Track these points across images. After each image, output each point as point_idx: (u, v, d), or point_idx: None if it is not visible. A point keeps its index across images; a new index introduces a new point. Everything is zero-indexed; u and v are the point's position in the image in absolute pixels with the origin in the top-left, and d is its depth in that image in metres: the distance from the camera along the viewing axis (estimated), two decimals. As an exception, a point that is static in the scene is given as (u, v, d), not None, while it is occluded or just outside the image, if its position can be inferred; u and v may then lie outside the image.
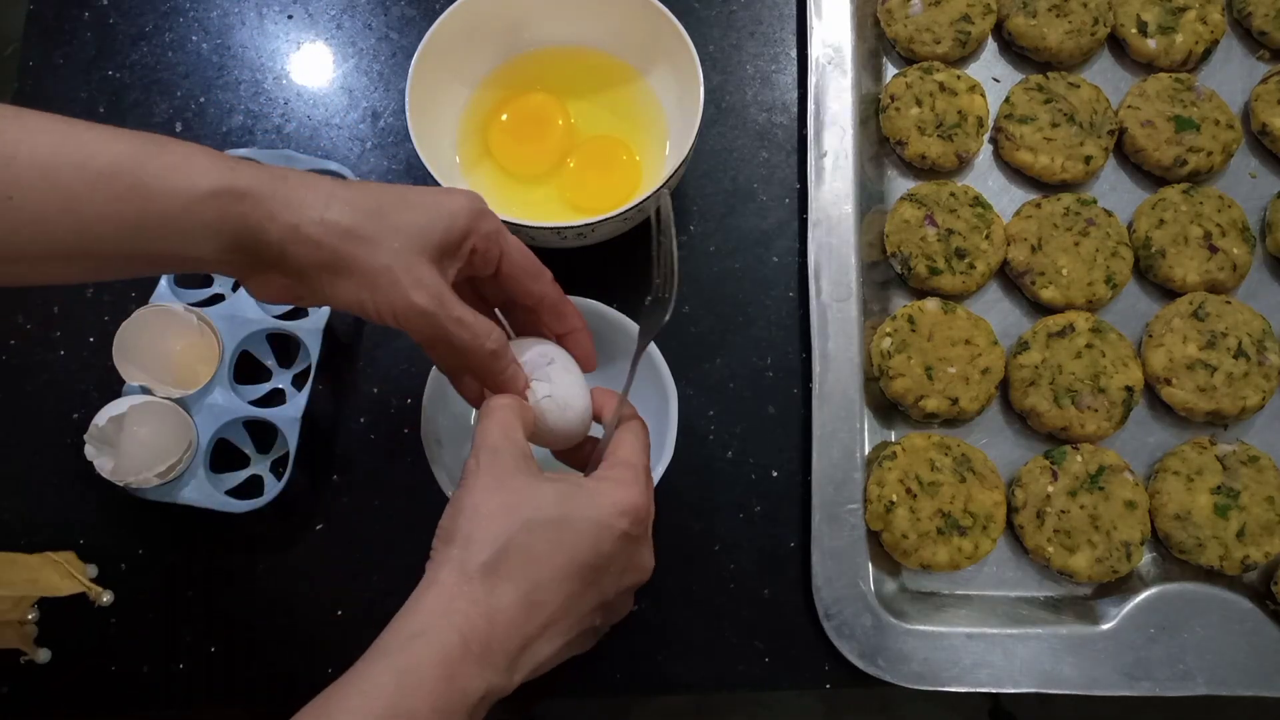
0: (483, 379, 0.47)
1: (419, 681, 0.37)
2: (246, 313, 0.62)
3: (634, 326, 0.57)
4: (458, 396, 0.59)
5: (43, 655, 0.59)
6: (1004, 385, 0.64)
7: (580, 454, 0.51)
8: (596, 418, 0.51)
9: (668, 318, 0.50)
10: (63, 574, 0.58)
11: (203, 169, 0.40)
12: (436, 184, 0.58)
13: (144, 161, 0.39)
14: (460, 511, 0.42)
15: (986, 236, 0.65)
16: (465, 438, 0.60)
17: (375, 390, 0.65)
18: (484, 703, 0.39)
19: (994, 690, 0.57)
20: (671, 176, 0.58)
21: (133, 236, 0.39)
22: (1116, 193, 0.69)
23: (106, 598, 0.59)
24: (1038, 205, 0.66)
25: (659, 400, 0.57)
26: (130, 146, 0.39)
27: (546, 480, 0.43)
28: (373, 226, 0.42)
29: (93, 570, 0.60)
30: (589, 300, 0.58)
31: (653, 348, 0.57)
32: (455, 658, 0.38)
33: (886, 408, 0.64)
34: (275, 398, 0.63)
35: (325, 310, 0.62)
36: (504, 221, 0.57)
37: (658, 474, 0.55)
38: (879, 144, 0.70)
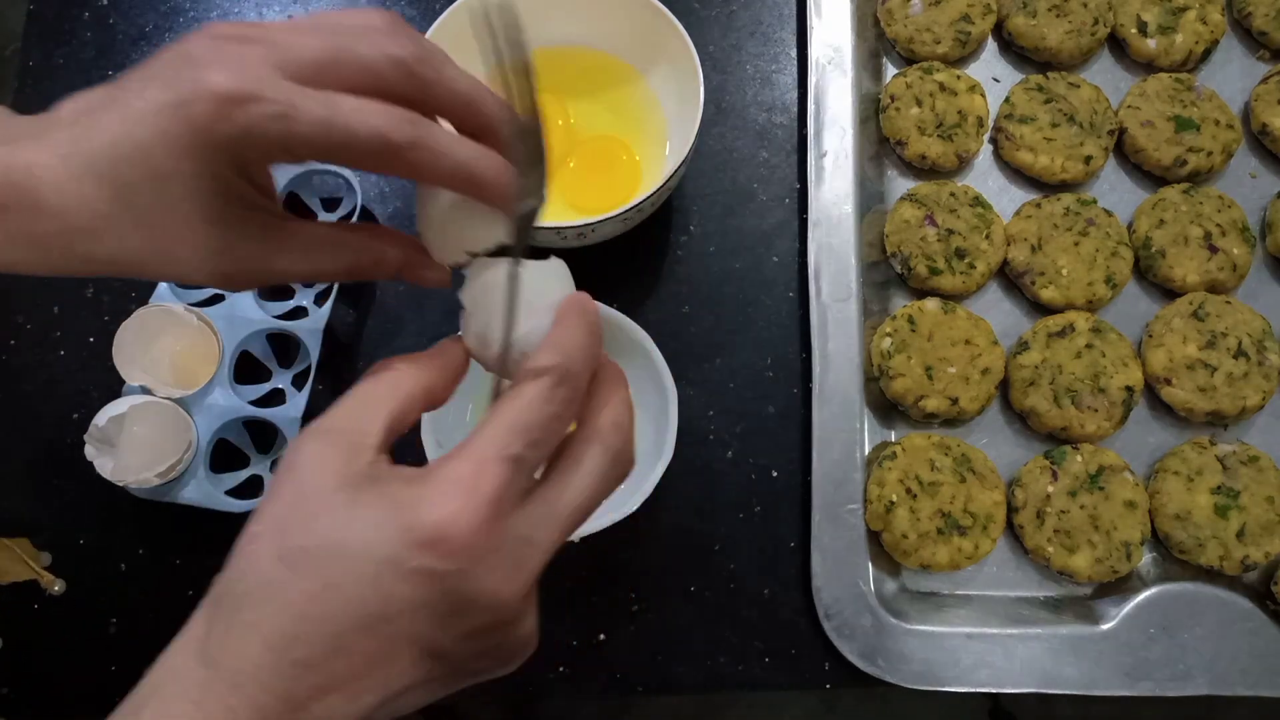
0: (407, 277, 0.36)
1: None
2: (247, 313, 0.62)
3: (634, 326, 0.57)
4: (458, 396, 0.59)
5: (58, 585, 0.60)
6: (1004, 385, 0.64)
7: None
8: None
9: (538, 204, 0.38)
10: (14, 559, 0.59)
11: None
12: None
13: None
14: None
15: (986, 236, 0.65)
16: (459, 435, 0.59)
17: (375, 390, 0.64)
18: None
19: (994, 690, 0.57)
20: (671, 176, 0.58)
21: None
22: (1116, 193, 0.69)
23: (59, 586, 0.59)
24: (1038, 205, 0.66)
25: (659, 400, 0.57)
26: None
27: (360, 490, 0.31)
28: (110, 206, 0.32)
29: (46, 558, 0.60)
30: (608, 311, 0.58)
31: (653, 347, 0.57)
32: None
33: (886, 408, 0.64)
34: (275, 398, 0.63)
35: (325, 310, 0.62)
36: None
37: (658, 473, 0.55)
38: (879, 144, 0.70)
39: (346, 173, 0.65)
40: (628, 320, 0.58)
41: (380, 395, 0.34)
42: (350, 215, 0.65)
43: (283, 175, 0.64)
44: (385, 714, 0.30)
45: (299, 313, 0.64)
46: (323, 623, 0.29)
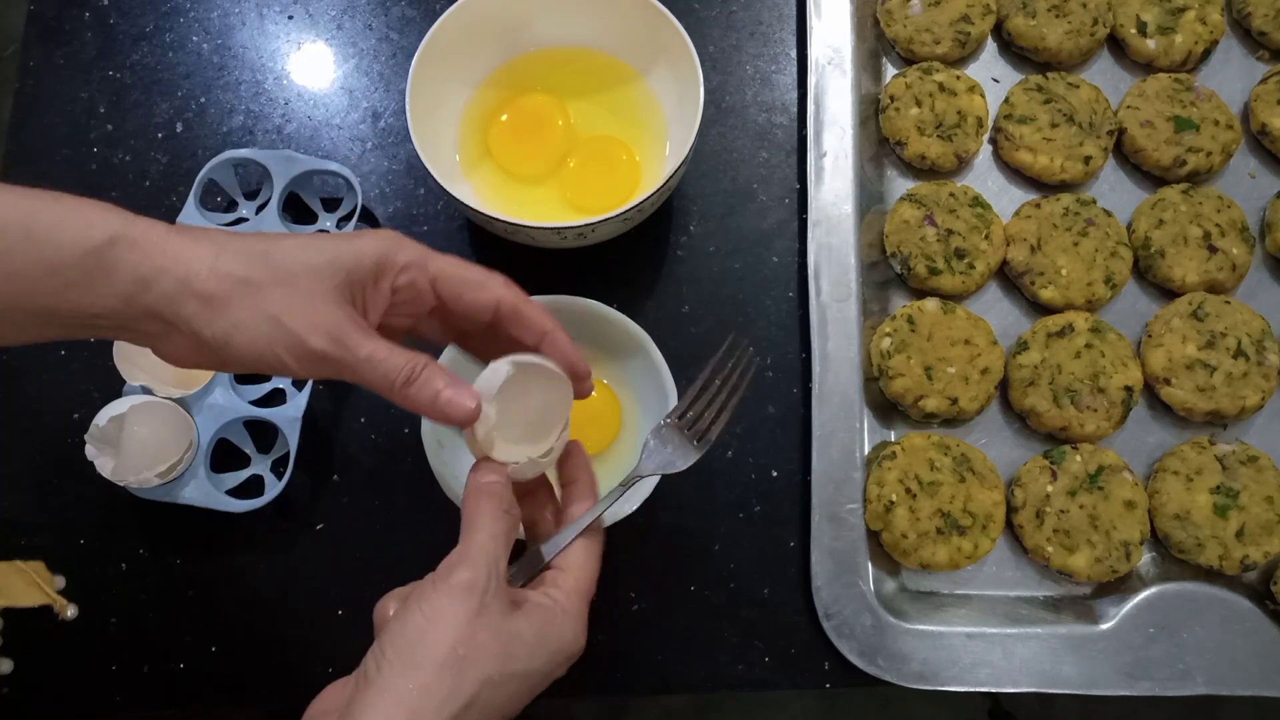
0: (423, 414, 0.44)
1: None
2: (247, 313, 0.62)
3: (634, 326, 0.57)
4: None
5: (4, 665, 0.59)
6: (1003, 385, 0.64)
7: (536, 502, 0.48)
8: (565, 485, 0.48)
9: (685, 465, 0.50)
10: (28, 583, 0.58)
11: (95, 219, 0.39)
12: (437, 184, 0.58)
13: (36, 213, 0.38)
14: (440, 641, 0.39)
15: (986, 236, 0.65)
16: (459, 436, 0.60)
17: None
18: None
19: (993, 690, 0.57)
20: (671, 176, 0.58)
21: (29, 290, 0.38)
22: (1116, 193, 0.69)
23: (71, 611, 0.59)
24: (1037, 205, 0.66)
25: (659, 400, 0.57)
26: (21, 199, 0.39)
27: (523, 618, 0.41)
28: (266, 272, 0.40)
29: (60, 581, 0.60)
30: (587, 300, 0.58)
31: (653, 347, 0.57)
32: None
33: (886, 408, 0.64)
34: (275, 398, 0.63)
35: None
36: (504, 222, 0.57)
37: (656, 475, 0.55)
38: (879, 144, 0.70)
39: (346, 172, 0.65)
40: (628, 320, 0.58)
41: (502, 532, 0.43)
42: (351, 215, 0.65)
43: (282, 176, 0.64)
44: None
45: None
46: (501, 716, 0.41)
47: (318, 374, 0.42)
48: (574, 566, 0.45)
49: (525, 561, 0.46)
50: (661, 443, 0.51)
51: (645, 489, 0.54)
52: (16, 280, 0.38)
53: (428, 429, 0.56)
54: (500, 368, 0.44)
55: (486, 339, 0.48)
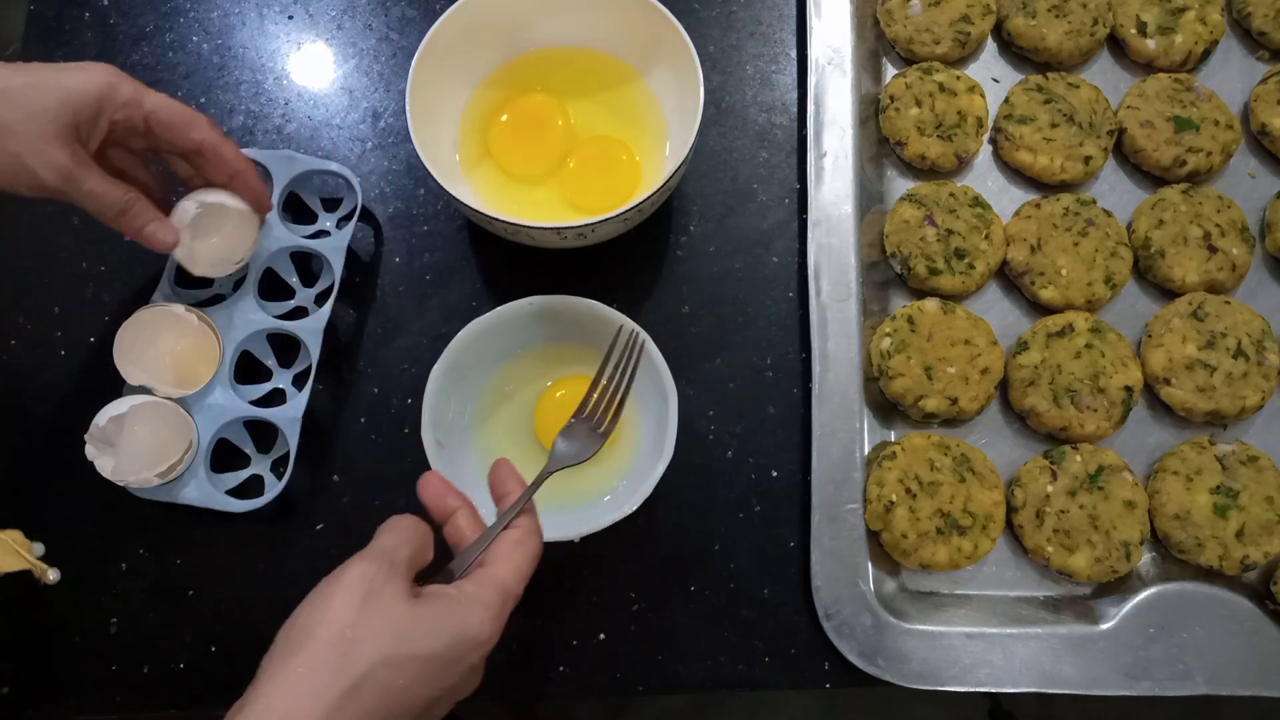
0: (136, 239, 0.54)
1: None
2: (247, 313, 0.62)
3: (630, 323, 0.57)
4: (458, 396, 0.59)
5: (52, 574, 0.59)
6: (1003, 385, 0.64)
7: (454, 527, 0.49)
8: (498, 500, 0.50)
9: (587, 456, 0.53)
10: (6, 550, 0.58)
11: None
12: (437, 184, 0.58)
13: None
14: (328, 624, 0.40)
15: (986, 237, 0.65)
16: (466, 438, 0.60)
17: (375, 390, 0.65)
18: None
19: (993, 690, 0.57)
20: (672, 176, 0.58)
21: None
22: (1116, 193, 0.69)
23: (53, 575, 0.59)
24: (1037, 205, 0.66)
25: (659, 400, 0.57)
26: None
27: (420, 604, 0.42)
28: (7, 112, 0.47)
29: (39, 548, 0.60)
30: (587, 300, 0.58)
31: (653, 348, 0.57)
32: None
33: (886, 408, 0.64)
34: (275, 398, 0.63)
35: (326, 310, 0.62)
36: (504, 222, 0.57)
37: (657, 473, 0.55)
38: (879, 144, 0.70)
39: (346, 172, 0.65)
40: (628, 320, 0.58)
41: (407, 539, 0.45)
42: (351, 215, 0.65)
43: (282, 176, 0.64)
44: None
45: (299, 313, 0.64)
46: (406, 705, 0.40)
47: (44, 196, 0.51)
48: (495, 559, 0.45)
49: (447, 567, 0.46)
50: (567, 441, 0.54)
51: (647, 487, 0.55)
52: None
53: (427, 429, 0.56)
54: (188, 206, 0.57)
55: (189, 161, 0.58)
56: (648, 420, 0.59)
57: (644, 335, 0.56)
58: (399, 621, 0.41)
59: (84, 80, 0.50)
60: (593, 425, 0.54)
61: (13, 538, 0.59)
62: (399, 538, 0.44)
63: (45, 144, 0.48)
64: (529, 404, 0.61)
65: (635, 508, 0.54)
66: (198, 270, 0.60)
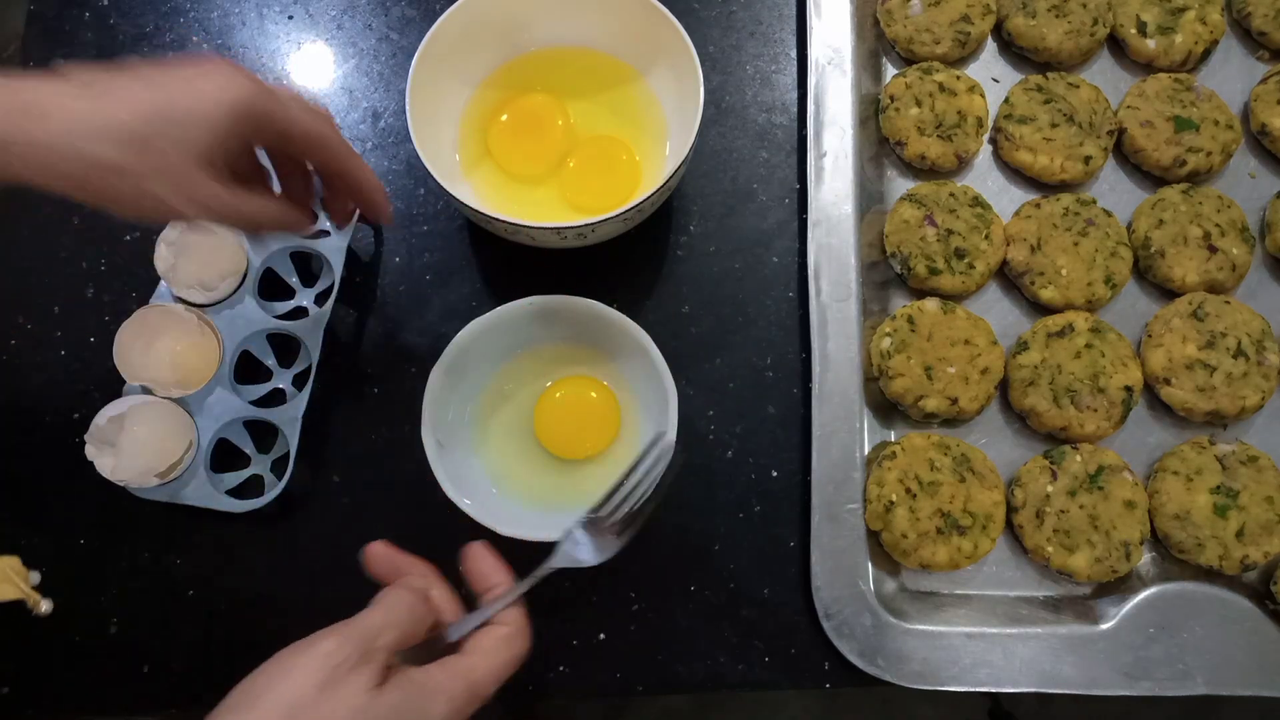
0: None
1: None
2: (247, 313, 0.62)
3: (635, 327, 0.58)
4: (458, 396, 0.59)
5: (45, 605, 0.59)
6: (1003, 385, 0.64)
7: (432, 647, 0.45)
8: (481, 590, 0.47)
9: (597, 561, 0.50)
10: (2, 578, 0.58)
11: None
12: (437, 184, 0.58)
13: None
14: (272, 695, 0.38)
15: (986, 236, 0.65)
16: (466, 438, 0.60)
17: (375, 390, 0.65)
18: None
19: (993, 690, 0.57)
20: (671, 176, 0.58)
21: None
22: (1116, 193, 0.69)
23: (45, 606, 0.59)
24: (1037, 205, 0.66)
25: (659, 400, 0.57)
26: None
27: (382, 695, 0.39)
28: (130, 159, 0.42)
29: (35, 577, 0.60)
30: (588, 300, 0.58)
31: (652, 347, 0.57)
32: None
33: (886, 408, 0.64)
34: (275, 398, 0.63)
35: (326, 310, 0.62)
36: (504, 222, 0.57)
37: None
38: (879, 144, 0.70)
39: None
40: (628, 320, 0.58)
41: (398, 621, 0.42)
42: (350, 215, 0.65)
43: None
44: None
45: (299, 313, 0.64)
46: None
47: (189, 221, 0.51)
48: (474, 650, 0.43)
49: (429, 641, 0.44)
50: (584, 535, 0.50)
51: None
52: None
53: (428, 430, 0.56)
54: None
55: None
56: (648, 422, 0.59)
57: (674, 444, 0.52)
58: (354, 714, 0.38)
59: (216, 101, 0.44)
60: (608, 526, 0.50)
61: (10, 565, 0.59)
62: (388, 619, 0.41)
63: (186, 183, 0.44)
64: (529, 404, 0.61)
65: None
66: (178, 291, 0.61)
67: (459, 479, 0.55)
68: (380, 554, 0.46)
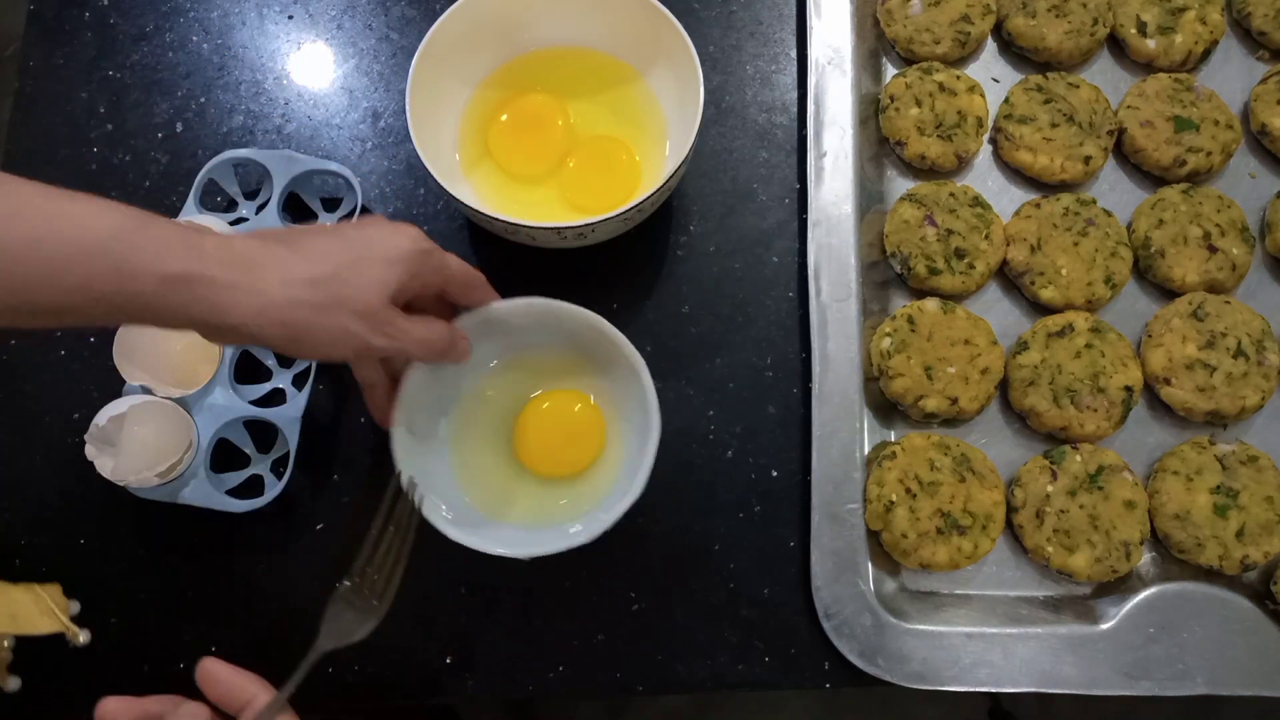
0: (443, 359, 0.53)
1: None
2: (247, 313, 0.62)
3: (629, 346, 0.55)
4: (436, 396, 0.57)
5: (12, 684, 0.59)
6: (1003, 385, 0.64)
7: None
8: (236, 708, 0.46)
9: (365, 632, 0.49)
10: (44, 609, 0.58)
11: (175, 253, 0.42)
12: (437, 184, 0.58)
13: (125, 239, 0.41)
14: None
15: (986, 236, 0.65)
16: (441, 442, 0.58)
17: (375, 390, 0.65)
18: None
19: (993, 690, 0.57)
20: (671, 176, 0.58)
21: (107, 308, 0.42)
22: (1116, 193, 0.69)
23: (84, 638, 0.59)
24: (1037, 205, 0.66)
25: (644, 427, 0.55)
26: (114, 223, 0.42)
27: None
28: (332, 298, 0.46)
29: (75, 607, 0.60)
30: (583, 311, 0.56)
31: (642, 368, 0.55)
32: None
33: (886, 408, 0.64)
34: (275, 398, 0.63)
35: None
36: (504, 222, 0.57)
37: (637, 487, 0.53)
38: (879, 144, 0.70)
39: (346, 172, 0.65)
40: (623, 339, 0.55)
41: None
42: (351, 214, 0.65)
43: (282, 176, 0.64)
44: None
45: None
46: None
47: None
48: None
49: None
50: (340, 610, 0.50)
51: (609, 518, 0.53)
52: (98, 301, 0.41)
53: (399, 425, 0.54)
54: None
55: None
56: (633, 439, 0.57)
57: (420, 494, 0.52)
58: None
59: (401, 248, 0.49)
60: (372, 593, 0.50)
61: (51, 594, 0.59)
62: None
63: (377, 317, 0.48)
64: (510, 414, 0.60)
65: (587, 539, 0.53)
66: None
67: (425, 478, 0.54)
68: (219, 677, 0.46)
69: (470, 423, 0.60)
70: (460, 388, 0.59)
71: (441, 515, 0.53)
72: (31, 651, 0.60)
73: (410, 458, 0.54)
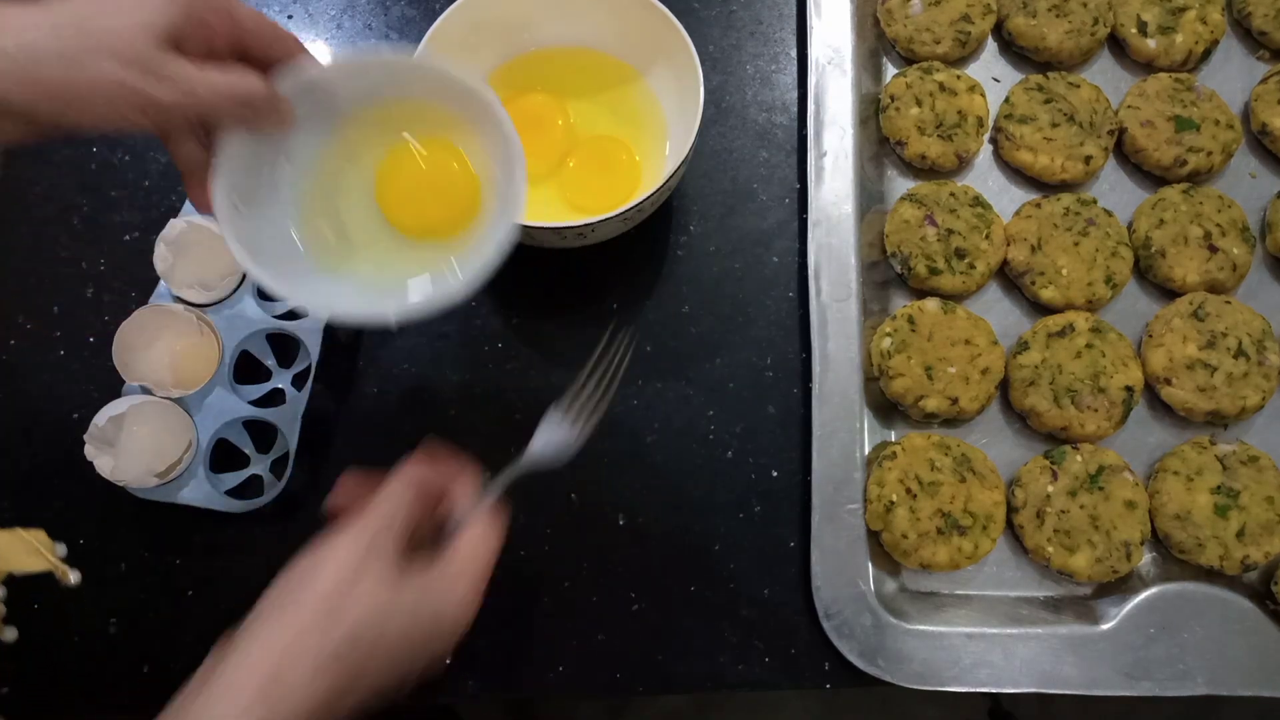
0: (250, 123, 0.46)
1: None
2: (246, 313, 0.62)
3: (487, 95, 0.48)
4: (281, 149, 0.50)
5: (8, 633, 0.59)
6: (1004, 385, 0.64)
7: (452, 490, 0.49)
8: (453, 491, 0.49)
9: (560, 460, 0.51)
10: (30, 550, 0.58)
11: None
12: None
13: None
14: (320, 585, 0.43)
15: (986, 236, 0.65)
16: (274, 200, 0.50)
17: (375, 390, 0.65)
18: None
19: (994, 690, 0.57)
20: (671, 176, 0.58)
21: None
22: (1116, 193, 0.69)
23: (74, 577, 0.59)
24: (1038, 205, 0.66)
25: (503, 151, 0.49)
26: None
27: (403, 583, 0.43)
28: (83, 45, 0.40)
29: (62, 549, 0.60)
30: (437, 66, 0.50)
31: (501, 114, 0.48)
32: None
33: (886, 408, 0.64)
34: (275, 398, 0.63)
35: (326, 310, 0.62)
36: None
37: (504, 232, 0.48)
38: (879, 144, 0.70)
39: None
40: (472, 81, 0.49)
41: (403, 511, 0.46)
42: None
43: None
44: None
45: (299, 313, 0.64)
46: (385, 665, 0.43)
47: (167, 121, 0.44)
48: (461, 554, 0.46)
49: (435, 523, 0.48)
50: (548, 430, 0.52)
51: (481, 262, 0.48)
52: None
53: (220, 190, 0.47)
54: (177, 223, 0.59)
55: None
56: (497, 172, 0.51)
57: (632, 337, 0.55)
58: (381, 598, 0.42)
59: None
60: (574, 421, 0.53)
61: (36, 537, 0.59)
62: (394, 507, 0.45)
63: (148, 61, 0.40)
64: (366, 174, 0.52)
65: (465, 289, 0.48)
66: (178, 291, 0.61)
67: (260, 245, 0.48)
68: (348, 486, 0.48)
69: (319, 187, 0.52)
70: (299, 152, 0.51)
71: (278, 277, 0.48)
72: (32, 650, 0.60)
73: (243, 236, 0.47)
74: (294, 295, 0.49)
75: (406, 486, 0.46)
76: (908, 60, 0.72)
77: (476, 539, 0.47)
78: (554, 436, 0.52)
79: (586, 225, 0.57)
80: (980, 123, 0.68)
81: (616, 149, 0.66)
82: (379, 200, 0.53)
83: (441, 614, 0.44)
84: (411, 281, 0.52)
